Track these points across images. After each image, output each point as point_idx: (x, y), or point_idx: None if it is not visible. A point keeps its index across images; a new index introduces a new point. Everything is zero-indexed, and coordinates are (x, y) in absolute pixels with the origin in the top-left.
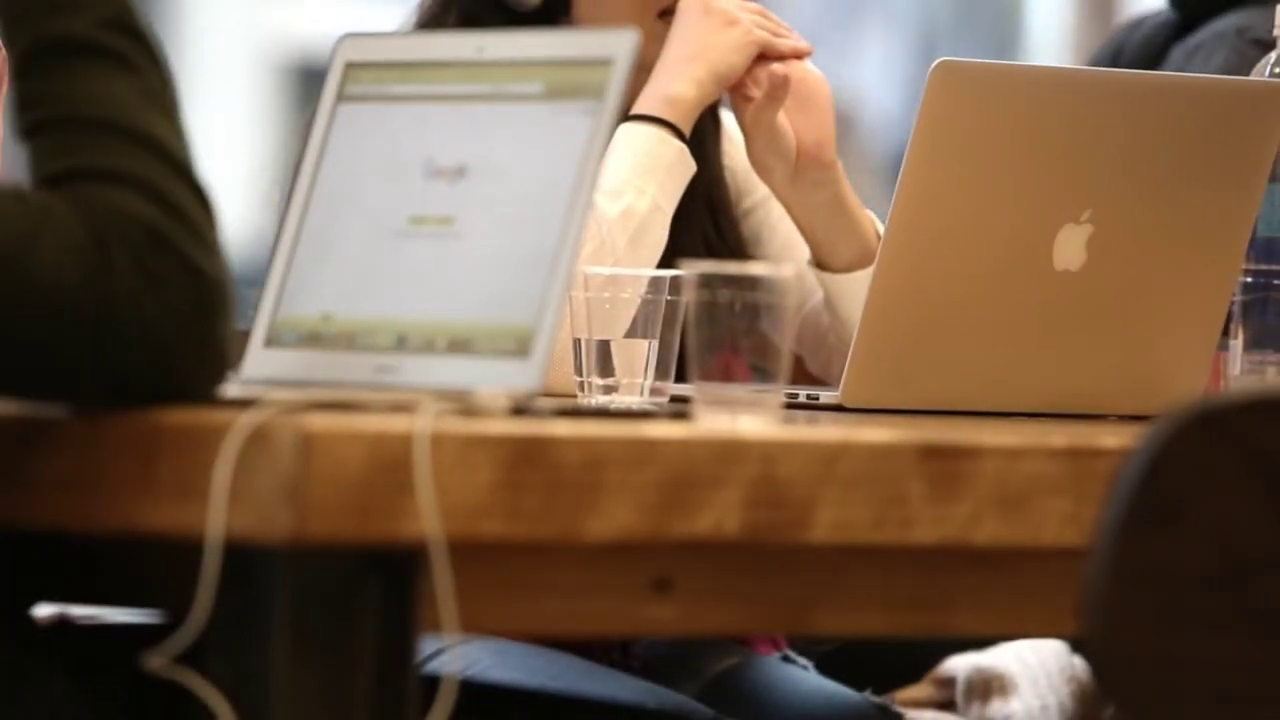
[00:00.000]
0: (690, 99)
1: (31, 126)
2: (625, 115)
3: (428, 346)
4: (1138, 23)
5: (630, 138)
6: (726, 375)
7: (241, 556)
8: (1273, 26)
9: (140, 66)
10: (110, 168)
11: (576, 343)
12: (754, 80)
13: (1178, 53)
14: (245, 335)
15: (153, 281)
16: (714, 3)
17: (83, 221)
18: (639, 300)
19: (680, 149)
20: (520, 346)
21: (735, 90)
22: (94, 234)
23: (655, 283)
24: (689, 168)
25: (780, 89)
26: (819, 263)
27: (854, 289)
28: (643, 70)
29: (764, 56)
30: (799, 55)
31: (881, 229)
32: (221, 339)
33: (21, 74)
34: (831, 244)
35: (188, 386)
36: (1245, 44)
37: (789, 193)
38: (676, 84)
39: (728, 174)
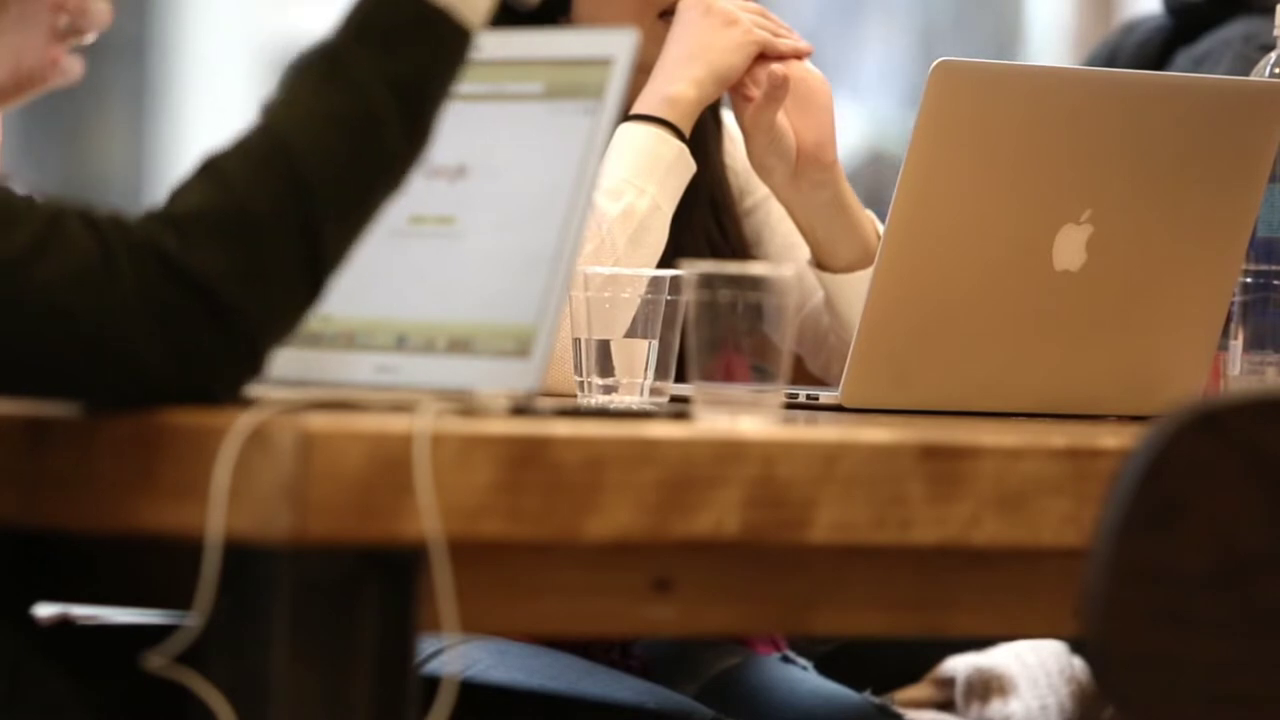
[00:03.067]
0: (690, 99)
1: (261, 105)
2: (625, 115)
3: (428, 346)
4: (1131, 27)
5: (630, 137)
6: (727, 375)
7: (241, 556)
8: (1275, 36)
9: (380, 135)
10: (233, 211)
11: (576, 343)
12: (754, 80)
13: (1183, 60)
14: None
15: (156, 308)
16: (714, 3)
17: (97, 237)
18: (639, 300)
19: (680, 149)
20: (520, 346)
21: (735, 90)
22: (106, 251)
23: (655, 283)
24: (689, 167)
25: (780, 89)
26: (819, 263)
27: (854, 289)
28: (642, 71)
29: (764, 56)
30: (799, 55)
31: (881, 229)
32: (216, 388)
33: (296, 61)
34: (832, 244)
35: (175, 401)
36: (1252, 51)
37: (789, 193)
38: (676, 84)
39: (729, 174)
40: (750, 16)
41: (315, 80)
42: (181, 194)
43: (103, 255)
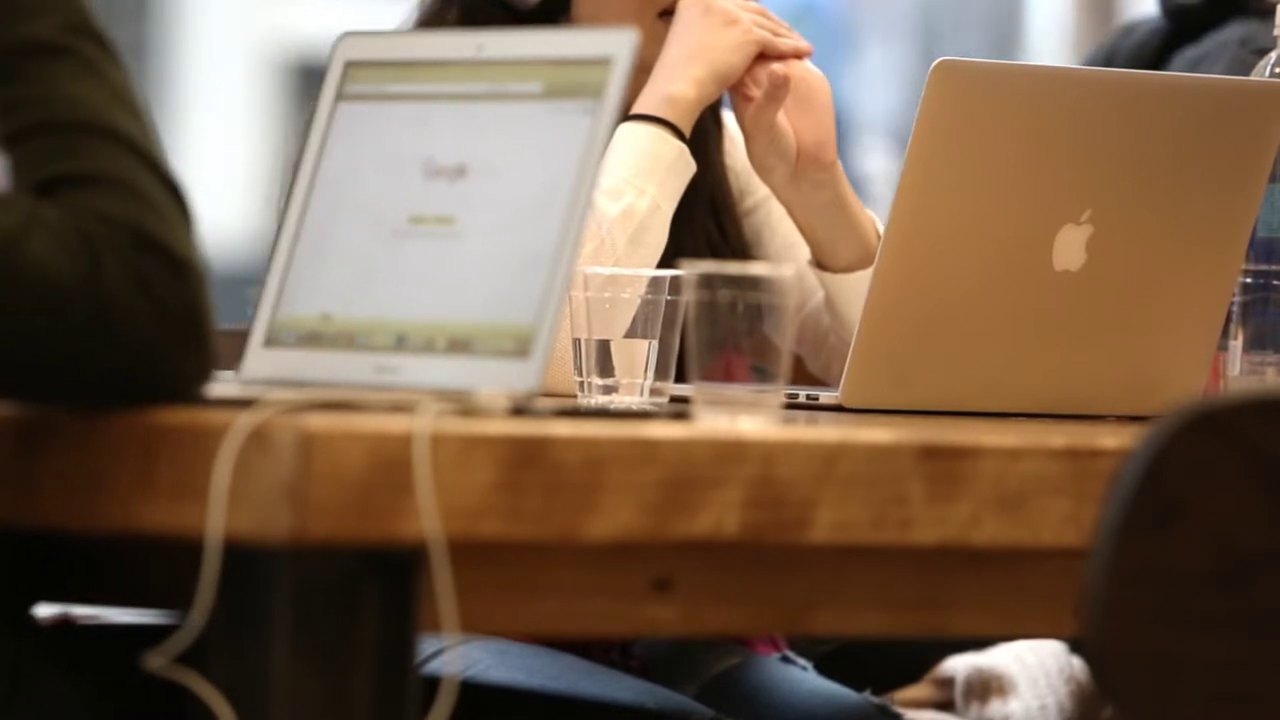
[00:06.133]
0: (690, 99)
1: (12, 134)
2: (625, 115)
3: (428, 346)
4: (1128, 29)
5: (630, 137)
6: (727, 375)
7: (242, 556)
8: (1273, 37)
9: (103, 68)
10: (93, 171)
11: (576, 343)
12: (754, 80)
13: (1179, 63)
14: (244, 335)
15: (142, 280)
16: (714, 2)
17: (71, 224)
18: (639, 300)
19: (680, 148)
20: (520, 347)
21: (735, 90)
22: (82, 235)
23: (655, 283)
24: (689, 167)
25: (780, 89)
26: (820, 263)
27: (854, 289)
28: (642, 71)
29: (764, 56)
30: (799, 55)
31: (882, 229)
32: (210, 332)
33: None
34: (832, 244)
35: (179, 382)
36: (1248, 54)
37: (789, 193)
38: (676, 84)
39: (730, 174)
40: (750, 16)
41: (19, 68)
42: (78, 201)
43: (80, 237)
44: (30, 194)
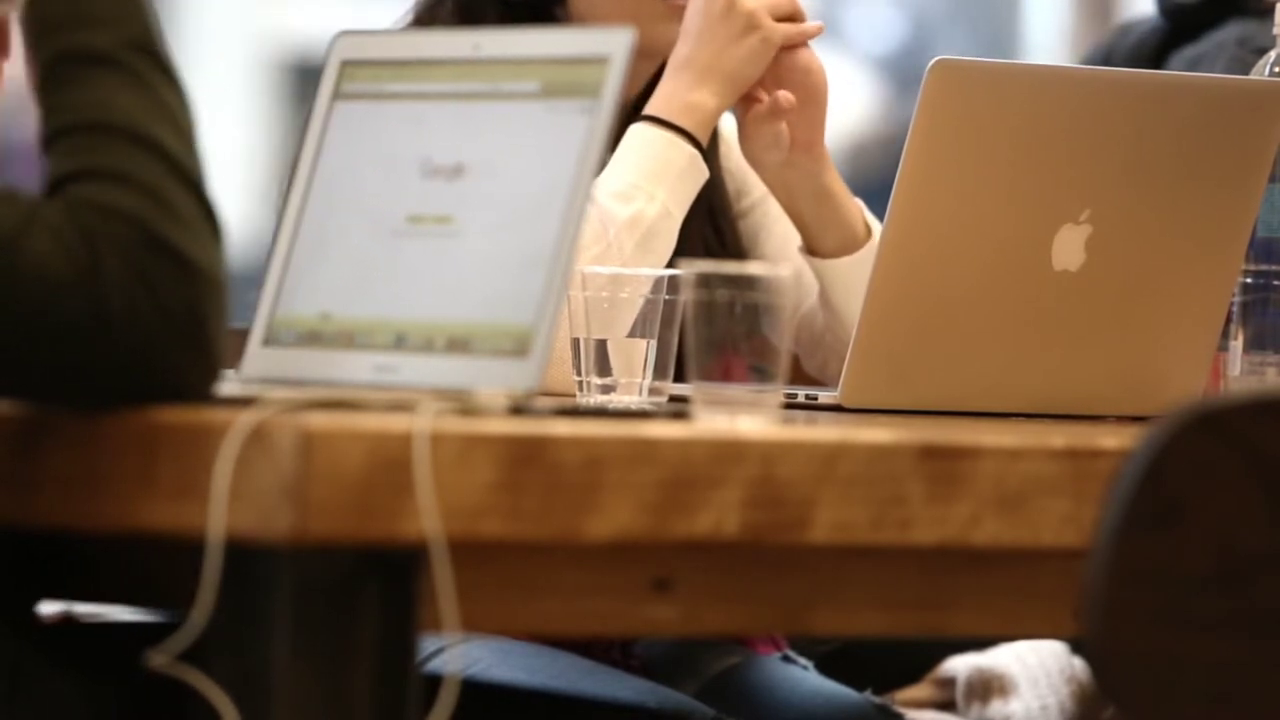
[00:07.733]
0: (710, 109)
1: (48, 137)
2: (635, 114)
3: (427, 346)
4: (1126, 29)
5: (643, 140)
6: (725, 375)
7: (242, 556)
8: (1272, 36)
9: (154, 85)
10: (109, 167)
11: (575, 342)
12: (764, 86)
13: (1177, 63)
14: (244, 334)
15: (144, 279)
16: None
17: (72, 221)
18: (639, 300)
19: (693, 155)
20: (519, 346)
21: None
22: (83, 233)
23: (654, 282)
24: (701, 174)
25: (787, 110)
26: (809, 248)
27: (845, 276)
28: (642, 55)
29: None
30: (810, 36)
31: (869, 217)
32: (214, 337)
33: (42, 86)
34: (820, 227)
35: (180, 384)
36: (1247, 54)
37: (778, 182)
38: (696, 91)
39: (726, 176)
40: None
41: (67, 75)
42: (89, 196)
43: (81, 235)
44: (51, 191)
